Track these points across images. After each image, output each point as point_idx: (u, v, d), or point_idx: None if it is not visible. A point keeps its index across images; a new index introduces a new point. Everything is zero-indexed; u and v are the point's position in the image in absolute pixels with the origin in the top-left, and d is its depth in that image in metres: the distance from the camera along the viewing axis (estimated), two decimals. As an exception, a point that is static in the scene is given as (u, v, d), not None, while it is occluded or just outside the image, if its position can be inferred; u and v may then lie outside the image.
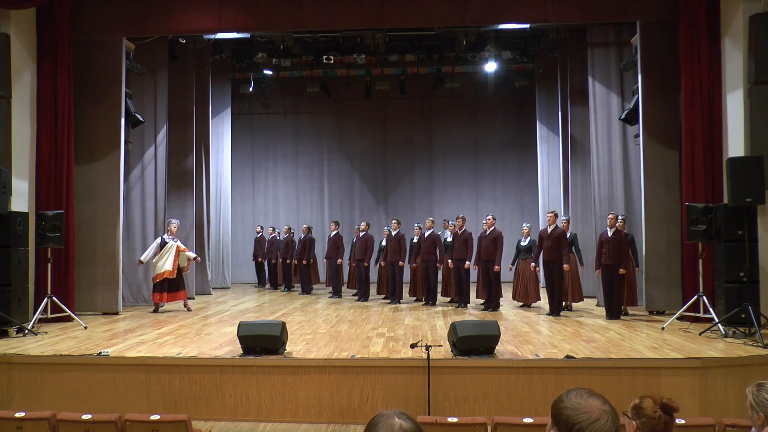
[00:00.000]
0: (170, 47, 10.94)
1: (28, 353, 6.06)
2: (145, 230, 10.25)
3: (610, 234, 8.43)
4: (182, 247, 9.77)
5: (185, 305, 9.71)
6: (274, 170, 16.14)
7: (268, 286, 13.86)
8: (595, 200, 10.27)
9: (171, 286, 9.53)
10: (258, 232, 14.14)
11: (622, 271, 8.31)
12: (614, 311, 8.39)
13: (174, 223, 9.83)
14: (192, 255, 9.90)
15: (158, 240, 9.68)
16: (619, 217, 8.64)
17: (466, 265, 9.61)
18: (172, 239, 9.66)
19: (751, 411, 2.71)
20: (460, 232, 9.79)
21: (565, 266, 8.77)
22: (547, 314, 8.84)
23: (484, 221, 9.76)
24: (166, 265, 9.45)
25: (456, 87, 14.14)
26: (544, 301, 9.72)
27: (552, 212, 9.10)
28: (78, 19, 8.81)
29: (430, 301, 10.28)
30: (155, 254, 9.52)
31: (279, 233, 13.74)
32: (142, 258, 9.60)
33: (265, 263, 13.87)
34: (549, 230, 8.92)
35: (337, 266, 11.77)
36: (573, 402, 1.63)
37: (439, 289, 10.87)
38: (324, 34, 11.58)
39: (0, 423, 3.90)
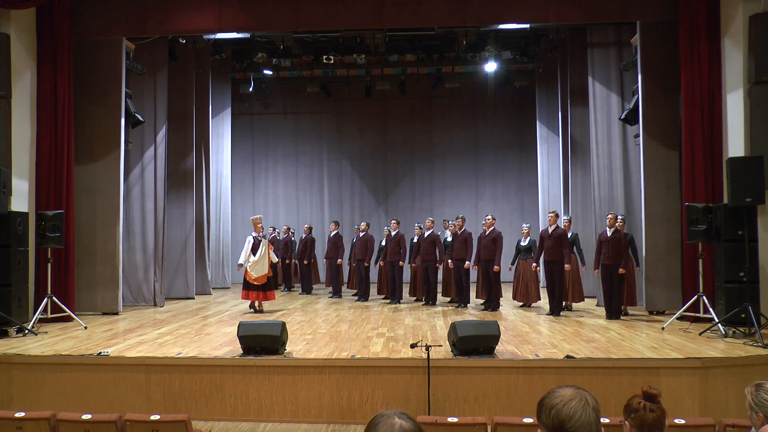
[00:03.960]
0: (170, 47, 10.94)
1: (28, 353, 6.06)
2: (145, 230, 10.25)
3: (609, 234, 8.43)
4: (270, 245, 9.78)
5: (259, 306, 9.56)
6: (274, 170, 16.14)
7: None
8: (595, 200, 10.27)
9: (265, 286, 9.50)
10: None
11: (621, 271, 8.31)
12: (614, 311, 8.39)
13: (258, 220, 9.75)
14: (275, 258, 9.84)
15: (250, 239, 9.61)
16: (619, 217, 8.64)
17: (465, 265, 9.61)
18: (262, 236, 9.62)
19: (751, 411, 2.71)
20: (459, 232, 9.79)
21: (566, 266, 8.77)
22: (547, 314, 8.85)
23: (484, 221, 9.77)
24: (265, 267, 9.47)
25: (456, 87, 14.15)
26: (544, 301, 9.72)
27: (553, 212, 9.10)
28: (78, 19, 8.81)
29: (430, 301, 10.28)
30: (249, 254, 9.47)
31: (279, 233, 13.73)
32: (241, 261, 9.52)
33: None
34: (550, 230, 8.92)
35: (337, 266, 11.77)
36: (549, 393, 1.74)
37: (439, 289, 10.87)
38: (324, 34, 11.58)
39: (0, 423, 3.90)
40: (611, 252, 8.36)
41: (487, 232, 9.53)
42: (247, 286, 9.47)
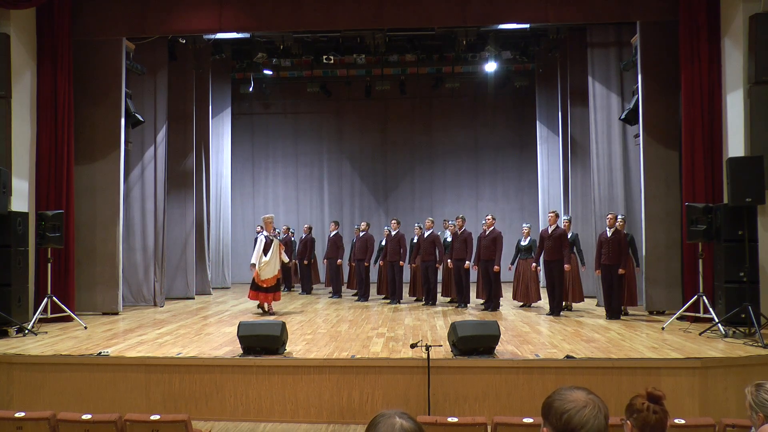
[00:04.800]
0: (170, 47, 10.94)
1: (28, 353, 6.06)
2: (145, 230, 10.24)
3: (609, 234, 8.43)
4: (282, 245, 9.47)
5: (269, 308, 9.27)
6: (274, 170, 16.14)
7: None
8: (595, 200, 10.27)
9: (274, 287, 9.16)
10: (258, 232, 14.10)
11: (621, 271, 8.31)
12: (614, 311, 8.39)
13: (270, 219, 9.39)
14: (286, 259, 9.50)
15: (261, 239, 9.23)
16: (619, 216, 8.64)
17: (465, 265, 9.61)
18: (273, 236, 9.26)
19: (751, 411, 2.71)
20: (459, 232, 9.79)
21: (566, 266, 8.77)
22: (547, 314, 8.85)
23: (484, 221, 9.76)
24: (275, 268, 9.13)
25: (456, 87, 14.13)
26: (544, 301, 9.72)
27: (553, 212, 9.09)
28: (78, 19, 8.81)
29: (430, 301, 10.28)
30: (261, 254, 9.08)
31: (278, 233, 13.70)
32: (253, 261, 9.12)
33: None
34: (550, 230, 8.92)
35: (337, 266, 11.77)
36: (560, 394, 1.71)
37: (439, 289, 10.87)
38: (324, 34, 11.57)
39: (0, 423, 3.90)
40: (611, 252, 8.36)
41: (487, 232, 9.53)
42: (256, 287, 9.15)
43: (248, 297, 9.41)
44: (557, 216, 9.00)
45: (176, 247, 11.37)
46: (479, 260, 9.57)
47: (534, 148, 14.16)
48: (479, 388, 5.50)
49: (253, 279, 9.20)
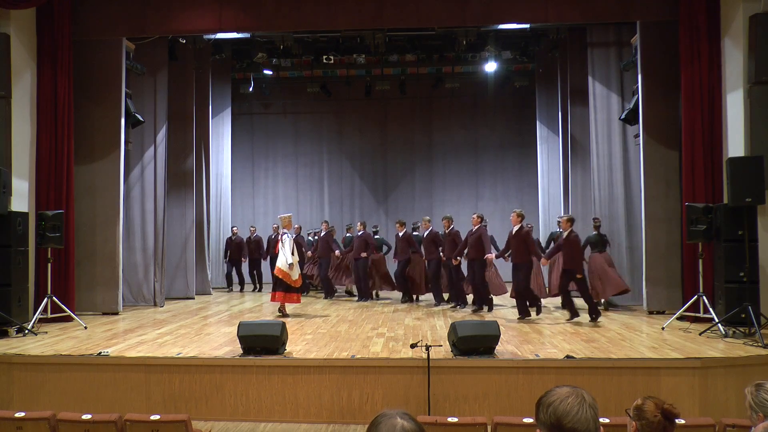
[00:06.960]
0: (170, 47, 10.93)
1: (28, 353, 6.06)
2: (145, 230, 10.24)
3: (564, 236, 8.15)
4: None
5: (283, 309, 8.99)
6: (274, 170, 16.12)
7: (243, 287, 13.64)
8: (595, 200, 10.27)
9: (300, 288, 8.86)
10: (249, 240, 13.84)
11: (578, 275, 7.95)
12: (572, 309, 8.10)
13: (290, 218, 9.12)
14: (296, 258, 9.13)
15: (287, 237, 8.78)
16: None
17: (454, 261, 9.42)
18: (293, 234, 8.99)
19: (751, 411, 2.71)
20: (447, 232, 9.75)
21: (542, 261, 8.61)
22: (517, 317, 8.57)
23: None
24: (299, 267, 8.83)
25: (456, 87, 14.14)
26: (545, 301, 9.67)
27: (516, 212, 8.60)
28: (78, 19, 8.81)
29: (437, 299, 10.27)
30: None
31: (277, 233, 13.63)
32: (290, 261, 8.67)
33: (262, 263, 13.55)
34: (514, 230, 8.51)
35: (328, 266, 11.68)
36: (548, 392, 1.77)
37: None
38: (324, 34, 11.57)
39: (0, 423, 3.91)
40: (566, 256, 8.06)
41: (473, 231, 9.26)
42: (287, 288, 8.76)
43: (272, 299, 8.98)
44: (520, 217, 8.54)
45: (176, 247, 11.37)
46: (468, 259, 9.33)
47: (534, 148, 14.16)
48: (479, 388, 5.50)
49: (282, 280, 8.76)
